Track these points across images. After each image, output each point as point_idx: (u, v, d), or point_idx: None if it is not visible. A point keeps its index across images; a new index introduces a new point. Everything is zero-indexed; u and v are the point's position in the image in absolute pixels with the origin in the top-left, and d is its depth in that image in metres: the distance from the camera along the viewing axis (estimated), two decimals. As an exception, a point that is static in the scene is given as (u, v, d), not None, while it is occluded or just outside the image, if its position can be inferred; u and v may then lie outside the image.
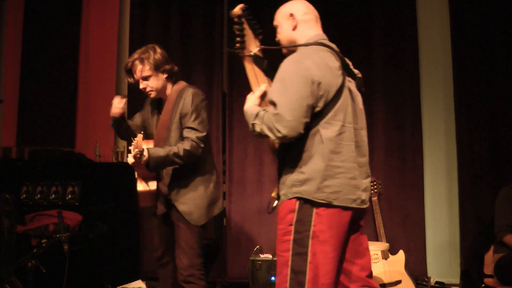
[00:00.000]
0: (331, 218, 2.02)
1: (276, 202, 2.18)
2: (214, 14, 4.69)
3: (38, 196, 4.11)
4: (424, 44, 4.40)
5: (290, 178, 2.06)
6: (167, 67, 2.83)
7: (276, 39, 2.29)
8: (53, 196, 4.10)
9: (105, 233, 3.91)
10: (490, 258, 3.63)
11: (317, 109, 2.02)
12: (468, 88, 4.21)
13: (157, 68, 2.79)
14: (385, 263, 3.80)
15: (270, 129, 1.99)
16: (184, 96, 2.80)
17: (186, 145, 2.70)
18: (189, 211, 2.77)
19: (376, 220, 4.01)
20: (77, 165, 4.36)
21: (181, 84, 2.91)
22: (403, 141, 4.32)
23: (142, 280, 4.21)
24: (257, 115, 2.06)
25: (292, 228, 2.03)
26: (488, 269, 3.64)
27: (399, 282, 3.69)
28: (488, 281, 3.60)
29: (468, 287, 3.95)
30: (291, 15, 2.24)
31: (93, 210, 4.02)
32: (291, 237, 2.03)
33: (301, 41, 2.21)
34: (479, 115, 4.20)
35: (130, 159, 2.64)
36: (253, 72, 2.18)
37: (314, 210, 2.01)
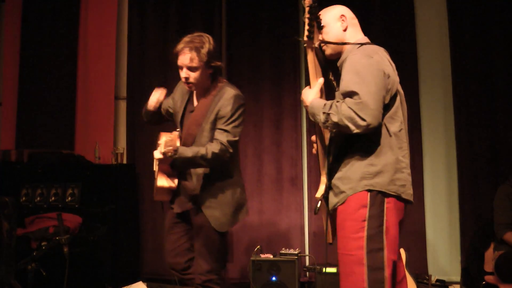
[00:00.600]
0: (397, 211, 2.04)
1: (319, 202, 2.12)
2: (213, 15, 4.69)
3: (38, 198, 4.11)
4: (422, 43, 4.40)
5: (359, 171, 2.03)
6: (217, 63, 2.65)
7: (320, 38, 2.24)
8: (53, 198, 4.10)
9: (105, 235, 3.91)
10: (490, 256, 3.63)
11: (385, 102, 2.05)
12: (467, 87, 4.21)
13: (208, 62, 2.59)
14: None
15: (351, 118, 1.94)
16: (224, 97, 2.63)
17: (215, 147, 2.56)
18: (215, 216, 2.64)
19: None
20: (77, 167, 4.36)
21: (221, 81, 2.74)
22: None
23: (143, 281, 4.20)
24: (330, 106, 2.01)
25: (366, 223, 1.98)
26: (489, 266, 3.64)
27: (400, 280, 3.69)
28: (488, 278, 3.60)
29: (468, 284, 3.95)
30: (343, 16, 2.25)
31: (93, 212, 4.02)
32: (365, 234, 1.97)
33: (351, 41, 2.23)
34: (478, 113, 4.19)
35: (158, 155, 2.53)
36: (313, 64, 2.12)
37: (385, 203, 2.00)
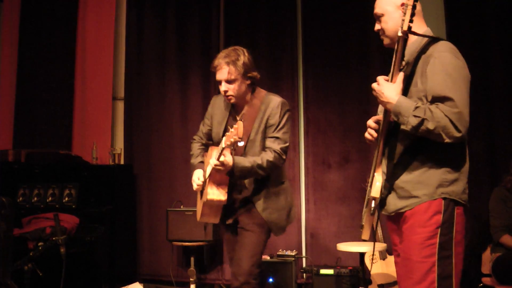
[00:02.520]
0: (463, 219, 1.99)
1: (373, 202, 1.99)
2: (211, 16, 4.69)
3: (35, 199, 4.10)
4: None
5: (436, 178, 1.93)
6: (254, 74, 2.70)
7: (376, 28, 2.09)
8: (50, 198, 4.09)
9: (102, 236, 3.90)
10: (487, 257, 3.64)
11: None
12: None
13: (245, 74, 2.65)
14: (383, 263, 3.80)
15: (446, 128, 1.82)
16: (271, 105, 2.69)
17: (270, 156, 2.60)
18: (273, 220, 2.69)
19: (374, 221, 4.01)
20: (74, 167, 4.36)
21: (261, 91, 2.79)
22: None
23: (140, 282, 4.20)
24: (424, 111, 1.84)
25: (439, 231, 1.90)
26: (486, 268, 3.65)
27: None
28: (486, 280, 3.61)
29: (466, 286, 3.95)
30: (404, 4, 1.93)
31: (90, 212, 4.01)
32: (437, 240, 1.90)
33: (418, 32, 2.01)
34: (475, 114, 4.18)
35: (214, 161, 2.49)
36: (399, 55, 1.92)
37: (456, 211, 1.96)
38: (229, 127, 2.56)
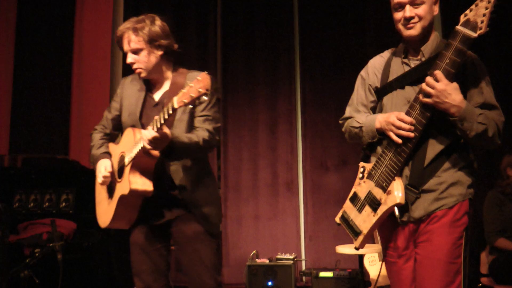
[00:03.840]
0: None
1: (396, 209, 1.88)
2: (208, 21, 4.69)
3: (32, 204, 4.07)
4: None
5: (466, 178, 1.93)
6: (164, 42, 2.31)
7: (410, 14, 1.93)
8: (47, 204, 4.06)
9: (99, 241, 3.88)
10: (485, 259, 3.63)
11: None
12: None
13: (152, 41, 2.28)
14: (382, 265, 3.78)
15: (496, 136, 1.87)
16: None
17: (204, 134, 2.24)
18: (207, 216, 2.30)
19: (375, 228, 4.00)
20: (71, 172, 4.33)
21: (184, 69, 2.41)
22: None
23: None
24: (487, 118, 1.84)
25: (465, 231, 1.93)
26: (484, 268, 3.66)
27: (396, 284, 3.67)
28: (484, 280, 3.61)
29: (465, 286, 3.94)
30: (437, 1, 1.97)
31: (87, 218, 3.98)
32: (463, 241, 1.92)
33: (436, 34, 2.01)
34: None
35: (150, 132, 2.04)
36: (450, 55, 1.82)
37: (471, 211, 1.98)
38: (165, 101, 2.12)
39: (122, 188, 2.21)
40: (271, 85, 4.53)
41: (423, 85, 1.82)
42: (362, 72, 2.19)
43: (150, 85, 2.38)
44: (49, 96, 4.87)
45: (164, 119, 2.03)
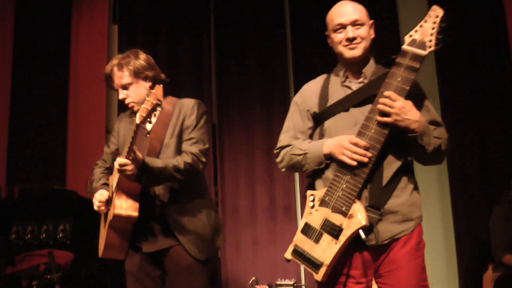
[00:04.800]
0: None
1: (361, 232, 1.82)
2: (202, 48, 4.75)
3: (29, 235, 4.04)
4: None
5: (419, 200, 1.95)
6: (150, 73, 2.41)
7: (353, 35, 1.97)
8: (44, 235, 4.03)
9: (97, 271, 3.84)
10: (489, 278, 3.59)
11: None
12: (456, 111, 4.26)
13: (138, 74, 2.38)
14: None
15: (445, 152, 1.94)
16: (186, 106, 2.41)
17: (187, 158, 2.28)
18: (191, 241, 2.28)
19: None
20: (68, 202, 4.32)
21: (173, 98, 2.51)
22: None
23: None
24: (440, 132, 1.93)
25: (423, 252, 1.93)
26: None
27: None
28: (488, 302, 3.57)
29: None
30: (373, 24, 2.04)
31: (85, 247, 3.95)
32: (424, 263, 1.93)
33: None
34: (469, 134, 4.23)
35: (120, 159, 2.10)
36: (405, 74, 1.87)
37: None
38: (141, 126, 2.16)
39: (110, 214, 2.24)
40: (266, 109, 4.56)
41: (380, 106, 1.83)
42: (296, 99, 2.19)
43: None
44: (45, 126, 4.88)
45: (131, 142, 2.07)
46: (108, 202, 2.35)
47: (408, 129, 1.83)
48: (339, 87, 2.04)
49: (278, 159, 2.13)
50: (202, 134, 2.38)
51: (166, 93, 2.41)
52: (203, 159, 2.35)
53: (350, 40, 1.96)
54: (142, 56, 2.43)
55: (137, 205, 2.21)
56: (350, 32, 1.96)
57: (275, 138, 4.54)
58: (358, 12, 1.99)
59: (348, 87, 2.02)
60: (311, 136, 2.08)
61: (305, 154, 1.99)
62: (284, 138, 2.14)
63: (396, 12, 4.45)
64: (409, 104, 1.82)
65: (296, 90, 4.58)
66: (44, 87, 4.90)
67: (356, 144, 1.85)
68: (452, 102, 4.26)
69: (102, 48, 4.93)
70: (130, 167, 2.12)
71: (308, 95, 2.12)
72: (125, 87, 2.39)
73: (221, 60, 4.74)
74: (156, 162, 2.21)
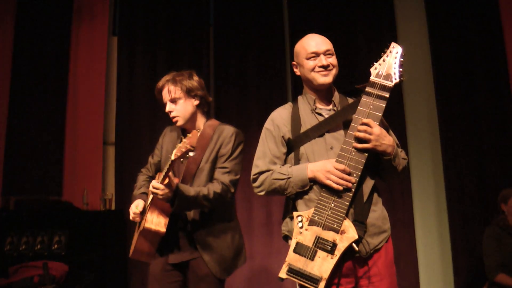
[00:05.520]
0: None
1: (354, 245, 1.96)
2: (201, 54, 4.77)
3: (23, 247, 4.01)
4: (408, 89, 4.50)
5: (387, 214, 2.14)
6: (200, 93, 2.57)
7: (327, 62, 2.15)
8: (39, 246, 4.01)
9: (92, 283, 3.81)
10: (485, 296, 3.60)
11: None
12: (454, 129, 4.29)
13: (189, 91, 2.54)
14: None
15: (405, 171, 2.13)
16: (224, 134, 2.54)
17: (217, 187, 2.41)
18: (214, 261, 2.44)
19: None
20: (64, 213, 4.30)
21: (215, 121, 2.64)
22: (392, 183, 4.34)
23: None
24: (403, 153, 2.15)
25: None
26: (484, 306, 3.61)
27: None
28: (484, 318, 3.56)
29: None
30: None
31: (80, 259, 3.93)
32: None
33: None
34: (466, 152, 4.25)
35: (154, 183, 2.29)
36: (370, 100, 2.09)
37: None
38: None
39: (142, 225, 2.42)
40: (263, 123, 4.57)
41: (360, 133, 1.99)
42: (268, 126, 2.28)
43: (186, 134, 2.53)
44: (42, 137, 4.86)
45: (167, 171, 2.24)
46: (143, 212, 2.52)
47: (385, 152, 2.02)
48: (310, 114, 2.17)
49: (256, 184, 2.20)
50: (236, 164, 2.51)
51: (205, 115, 2.63)
52: (232, 190, 2.49)
53: (325, 67, 2.13)
54: (195, 77, 2.60)
55: (166, 221, 2.39)
56: (324, 60, 2.14)
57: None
58: (328, 43, 2.19)
59: (320, 114, 2.16)
60: (285, 161, 2.19)
61: (288, 178, 2.09)
62: (261, 164, 2.19)
63: (395, 31, 4.50)
64: (383, 130, 2.02)
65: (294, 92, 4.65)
66: (42, 98, 4.90)
67: (342, 170, 1.99)
68: (451, 121, 4.29)
69: (101, 60, 4.94)
70: (161, 192, 2.29)
71: (279, 122, 2.22)
72: (174, 100, 2.55)
73: (220, 72, 4.75)
74: (189, 191, 2.36)
